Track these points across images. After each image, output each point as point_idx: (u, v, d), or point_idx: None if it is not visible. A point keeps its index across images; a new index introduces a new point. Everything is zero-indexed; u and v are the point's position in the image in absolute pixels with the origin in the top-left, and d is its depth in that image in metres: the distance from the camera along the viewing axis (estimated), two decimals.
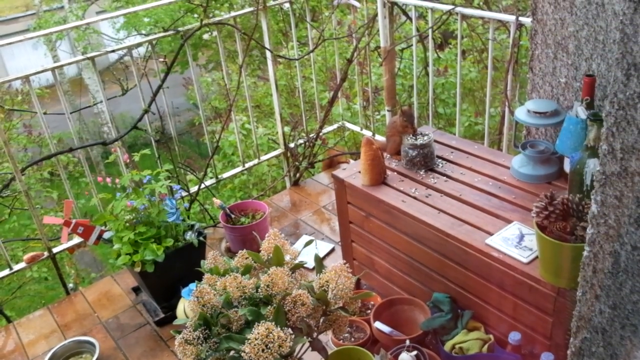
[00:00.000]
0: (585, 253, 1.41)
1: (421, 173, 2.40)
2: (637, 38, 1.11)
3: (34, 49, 11.62)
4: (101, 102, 3.73)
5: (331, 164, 3.98)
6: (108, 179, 2.85)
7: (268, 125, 5.70)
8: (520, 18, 2.57)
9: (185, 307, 2.45)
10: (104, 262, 8.39)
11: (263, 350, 1.63)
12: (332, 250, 3.10)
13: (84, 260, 8.83)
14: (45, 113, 2.88)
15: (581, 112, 1.93)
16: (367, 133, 3.90)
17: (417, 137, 2.42)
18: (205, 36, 8.28)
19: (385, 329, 2.29)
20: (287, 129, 3.94)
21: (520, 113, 2.18)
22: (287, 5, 3.58)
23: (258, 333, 1.65)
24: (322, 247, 3.11)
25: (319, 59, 5.47)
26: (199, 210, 4.03)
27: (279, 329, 1.67)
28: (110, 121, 3.23)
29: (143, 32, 8.45)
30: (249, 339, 1.65)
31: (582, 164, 1.78)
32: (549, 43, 2.17)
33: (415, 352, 2.09)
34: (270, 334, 1.65)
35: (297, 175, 3.78)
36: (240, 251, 2.03)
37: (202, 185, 3.40)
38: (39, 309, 3.06)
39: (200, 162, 8.28)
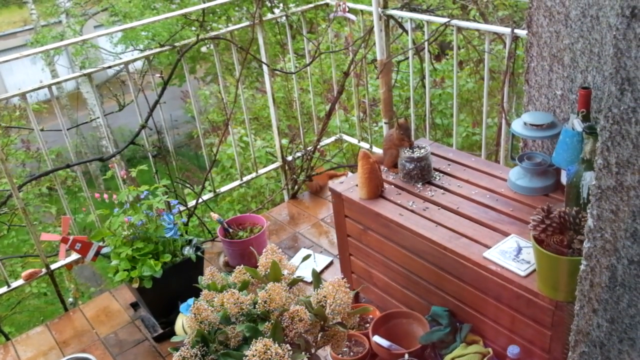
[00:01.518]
0: (582, 267, 1.40)
1: (418, 186, 2.40)
2: (631, 53, 1.11)
3: (32, 63, 11.65)
4: (98, 118, 3.73)
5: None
6: (105, 195, 2.85)
7: (266, 138, 5.70)
8: (516, 30, 2.58)
9: (184, 323, 2.44)
10: (103, 276, 8.37)
11: None
12: (331, 263, 3.09)
13: (84, 274, 8.81)
14: (42, 130, 2.89)
15: (577, 124, 1.93)
16: (365, 145, 3.90)
17: (414, 150, 2.42)
18: (204, 49, 8.31)
19: (384, 343, 2.28)
20: (285, 141, 3.93)
21: (517, 125, 2.18)
22: (283, 18, 3.59)
23: (256, 350, 1.64)
24: (321, 260, 3.10)
25: (316, 71, 5.49)
26: (197, 224, 4.03)
27: (276, 345, 1.67)
28: (107, 137, 3.23)
29: (140, 46, 8.47)
30: (247, 356, 1.64)
31: (578, 176, 1.78)
32: (544, 55, 2.18)
33: None
34: (268, 351, 1.64)
35: (296, 188, 3.77)
36: (237, 267, 2.02)
37: (200, 200, 3.40)
38: (38, 324, 3.05)
39: (199, 174, 8.27)
